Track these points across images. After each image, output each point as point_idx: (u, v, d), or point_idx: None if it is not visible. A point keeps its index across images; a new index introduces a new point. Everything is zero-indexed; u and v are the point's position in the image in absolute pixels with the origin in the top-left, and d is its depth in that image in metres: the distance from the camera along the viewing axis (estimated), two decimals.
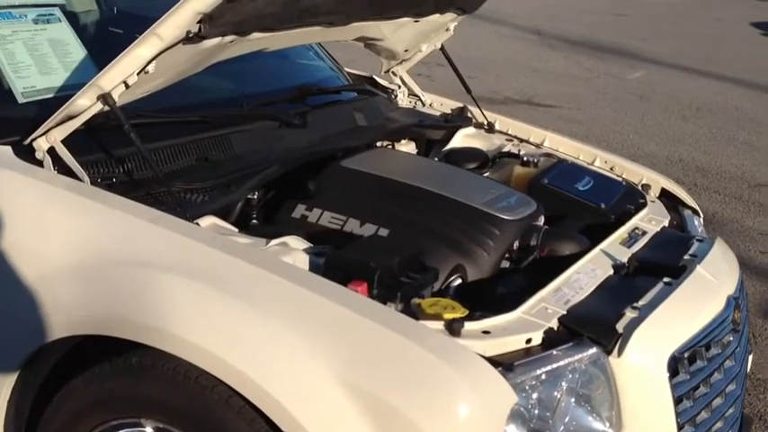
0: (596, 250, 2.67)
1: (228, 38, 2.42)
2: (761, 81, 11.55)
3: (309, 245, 2.47)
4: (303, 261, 2.36)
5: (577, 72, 11.62)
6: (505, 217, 2.71)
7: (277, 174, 2.78)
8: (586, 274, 2.53)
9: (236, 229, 2.52)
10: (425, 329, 2.06)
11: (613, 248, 2.73)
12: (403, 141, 3.47)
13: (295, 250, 2.38)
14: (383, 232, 2.63)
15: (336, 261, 2.31)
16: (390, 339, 1.99)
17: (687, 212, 3.30)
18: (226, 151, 2.77)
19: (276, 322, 2.03)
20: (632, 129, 8.91)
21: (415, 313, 2.22)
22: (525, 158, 3.30)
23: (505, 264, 2.69)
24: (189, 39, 2.26)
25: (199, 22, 2.25)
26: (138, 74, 2.30)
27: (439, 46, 3.72)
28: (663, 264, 2.65)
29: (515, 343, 2.15)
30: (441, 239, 2.61)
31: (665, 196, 3.37)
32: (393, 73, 3.84)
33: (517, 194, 2.89)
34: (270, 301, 2.07)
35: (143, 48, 2.25)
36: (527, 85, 10.47)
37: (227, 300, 2.07)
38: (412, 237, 2.60)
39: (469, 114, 3.74)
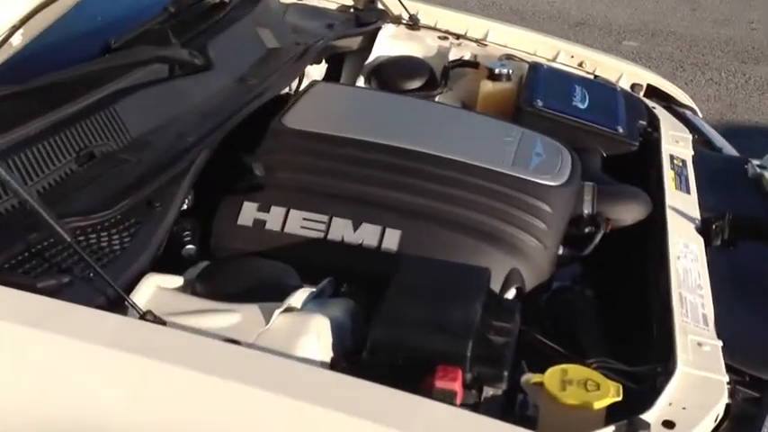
0: (670, 213, 1.88)
1: None
2: None
3: (311, 289, 1.49)
4: (326, 336, 1.38)
5: None
6: (550, 182, 1.83)
7: (205, 160, 1.72)
8: (685, 256, 1.75)
9: (181, 280, 1.49)
10: None
11: (677, 200, 1.95)
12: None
13: (310, 318, 1.39)
14: (393, 237, 1.68)
15: (386, 338, 1.36)
16: None
17: (689, 114, 2.56)
18: (117, 135, 1.66)
19: None
20: None
21: (538, 403, 1.35)
22: (495, 70, 2.37)
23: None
24: None
25: None
26: None
27: None
28: (758, 218, 1.92)
29: (705, 427, 1.35)
30: (477, 234, 1.70)
31: (655, 94, 2.61)
32: None
33: (538, 137, 2.00)
34: None
35: None
36: None
37: None
38: (436, 237, 1.68)
39: (380, 5, 2.73)
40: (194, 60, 1.90)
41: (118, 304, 1.28)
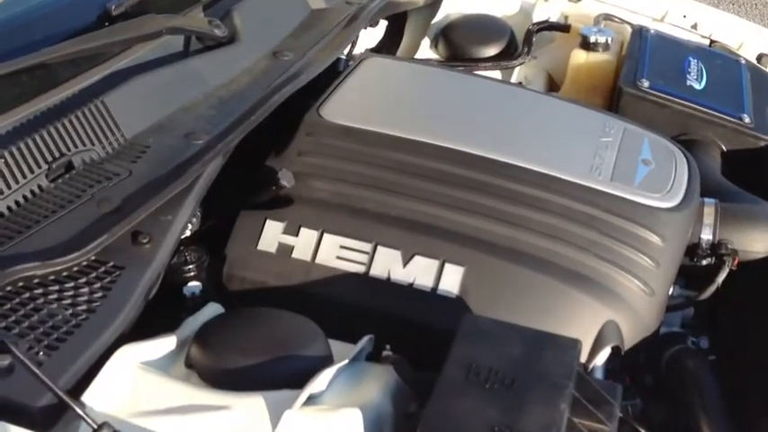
0: None
1: None
2: None
3: (341, 364, 1.12)
4: None
5: None
6: (662, 203, 1.41)
7: (217, 170, 1.34)
8: None
9: (173, 342, 1.13)
10: None
11: None
12: None
13: (333, 417, 1.02)
14: (453, 275, 1.29)
15: None
16: None
17: None
18: (105, 137, 1.28)
19: None
20: None
21: None
22: (590, 37, 1.92)
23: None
24: None
25: None
26: None
27: None
28: None
29: None
30: (562, 275, 1.30)
31: None
32: None
33: (645, 137, 1.56)
34: None
35: None
36: None
37: None
38: (510, 277, 1.29)
39: None
40: (214, 31, 1.51)
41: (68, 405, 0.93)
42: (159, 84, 1.40)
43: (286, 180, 1.37)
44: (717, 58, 1.97)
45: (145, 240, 1.16)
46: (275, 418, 0.98)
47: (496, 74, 1.99)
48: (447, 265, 1.30)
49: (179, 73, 1.44)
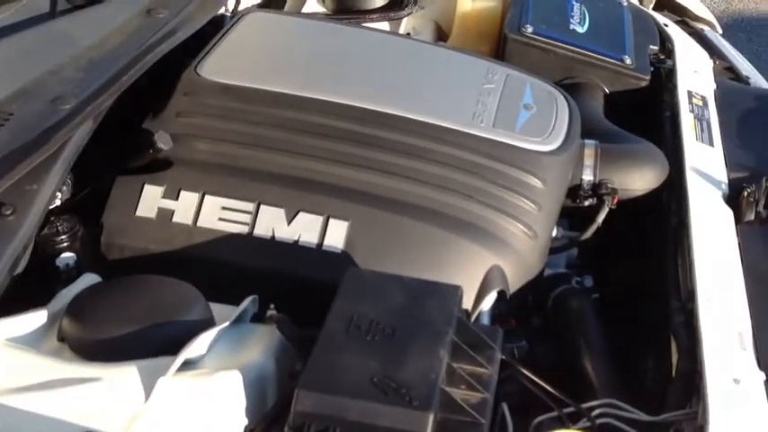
0: (690, 175, 1.46)
1: None
2: None
3: (221, 327, 1.08)
4: (236, 402, 0.99)
5: None
6: (542, 147, 1.40)
7: (87, 135, 1.27)
8: (712, 242, 1.34)
9: (43, 316, 1.07)
10: None
11: (698, 157, 1.52)
12: None
13: (210, 382, 0.98)
14: (338, 230, 1.26)
15: (315, 409, 0.94)
16: None
17: (708, 32, 2.09)
18: None
19: None
20: None
21: None
22: None
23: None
24: None
25: None
26: None
27: None
28: None
29: None
30: (446, 223, 1.28)
31: (666, 6, 2.14)
32: None
33: (527, 82, 1.54)
34: None
35: None
36: None
37: None
38: (395, 228, 1.27)
39: None
40: None
41: None
42: (22, 47, 1.32)
43: (163, 142, 1.32)
44: (599, 0, 1.96)
45: (8, 212, 1.10)
46: (149, 387, 0.95)
47: (384, 25, 1.95)
48: (331, 221, 1.27)
49: (45, 35, 1.37)
